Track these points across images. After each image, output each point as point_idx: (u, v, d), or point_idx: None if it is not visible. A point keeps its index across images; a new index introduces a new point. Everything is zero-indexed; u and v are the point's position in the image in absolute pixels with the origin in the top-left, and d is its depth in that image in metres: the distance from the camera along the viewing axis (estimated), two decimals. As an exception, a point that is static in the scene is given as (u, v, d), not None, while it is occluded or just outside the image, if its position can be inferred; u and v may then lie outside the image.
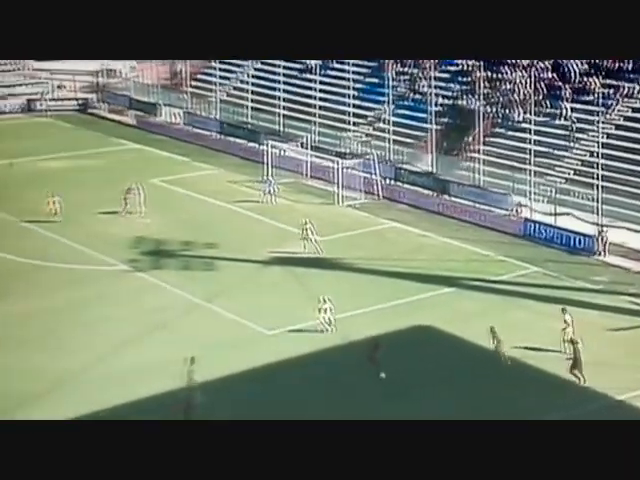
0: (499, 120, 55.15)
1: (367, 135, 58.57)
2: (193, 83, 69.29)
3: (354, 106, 58.67)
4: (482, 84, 53.62)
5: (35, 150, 60.45)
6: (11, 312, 37.70)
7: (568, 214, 46.79)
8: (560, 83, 54.58)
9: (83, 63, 70.41)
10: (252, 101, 63.47)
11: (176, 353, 33.27)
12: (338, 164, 52.43)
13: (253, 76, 65.93)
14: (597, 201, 45.88)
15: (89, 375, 32.51)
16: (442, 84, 57.43)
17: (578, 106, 53.14)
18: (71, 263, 42.25)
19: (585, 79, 54.09)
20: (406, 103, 58.87)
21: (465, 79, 58.27)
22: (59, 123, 68.79)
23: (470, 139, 54.46)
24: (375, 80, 61.01)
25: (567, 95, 53.79)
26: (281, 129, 60.66)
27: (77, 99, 71.82)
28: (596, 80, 53.36)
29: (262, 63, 67.97)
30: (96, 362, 33.36)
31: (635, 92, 52.78)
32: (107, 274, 41.47)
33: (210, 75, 68.17)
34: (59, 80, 72.63)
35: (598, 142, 47.57)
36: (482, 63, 53.86)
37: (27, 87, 71.71)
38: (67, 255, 43.33)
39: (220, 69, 67.04)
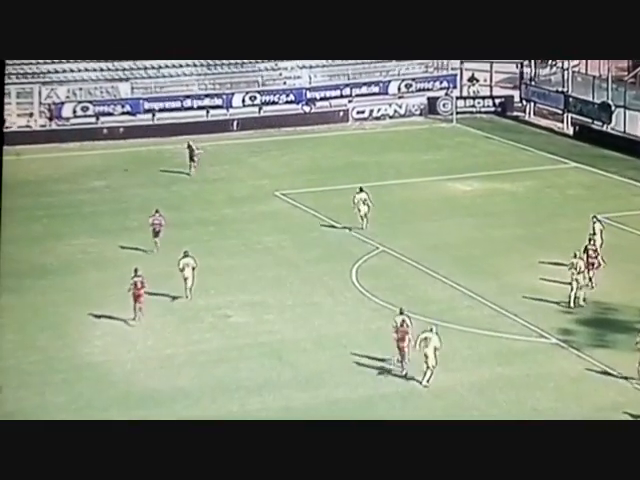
0: None
1: None
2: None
3: None
4: None
5: (435, 167, 53.35)
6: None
7: None
8: None
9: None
10: None
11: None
12: None
13: None
14: None
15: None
16: None
17: None
18: (499, 331, 35.45)
19: None
20: None
21: None
22: (468, 130, 61.77)
23: None
24: None
25: None
26: None
27: (493, 97, 64.37)
28: None
29: None
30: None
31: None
32: (539, 347, 34.56)
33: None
34: (471, 70, 64.71)
35: None
36: None
37: (428, 82, 65.27)
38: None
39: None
